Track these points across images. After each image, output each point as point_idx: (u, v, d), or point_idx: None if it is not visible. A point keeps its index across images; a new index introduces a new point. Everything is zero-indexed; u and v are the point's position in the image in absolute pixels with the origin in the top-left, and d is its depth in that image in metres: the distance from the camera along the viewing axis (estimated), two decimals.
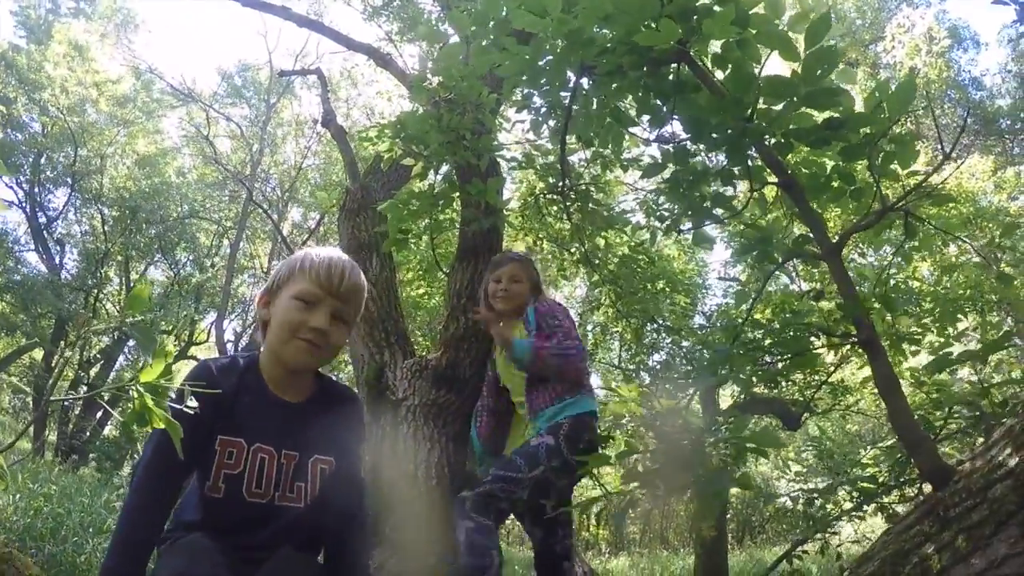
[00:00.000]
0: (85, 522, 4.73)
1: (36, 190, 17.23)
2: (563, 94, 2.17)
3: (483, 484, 2.46)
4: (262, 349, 1.72)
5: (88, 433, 16.12)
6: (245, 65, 21.71)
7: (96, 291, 18.06)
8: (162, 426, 1.14)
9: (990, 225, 11.95)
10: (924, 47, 12.57)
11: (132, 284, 19.24)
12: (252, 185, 18.97)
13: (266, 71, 20.66)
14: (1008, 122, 16.37)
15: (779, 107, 1.52)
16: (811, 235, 1.58)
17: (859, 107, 1.64)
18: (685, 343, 5.27)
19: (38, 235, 17.32)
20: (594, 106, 1.96)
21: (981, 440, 1.93)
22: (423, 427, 2.98)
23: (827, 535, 2.86)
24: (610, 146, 2.17)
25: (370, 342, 3.46)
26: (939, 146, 16.48)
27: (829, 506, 2.96)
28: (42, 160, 16.98)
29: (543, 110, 2.43)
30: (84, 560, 4.23)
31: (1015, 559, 1.18)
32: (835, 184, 1.65)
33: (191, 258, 20.52)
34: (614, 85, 1.83)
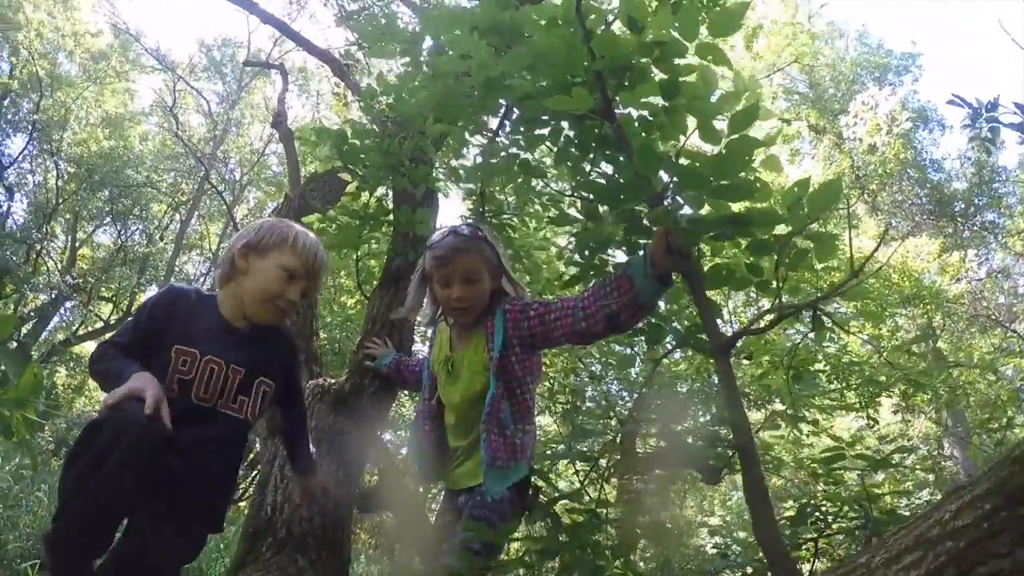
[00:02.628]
0: None
1: None
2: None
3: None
4: (221, 290, 2.01)
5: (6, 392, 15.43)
6: (226, 40, 21.33)
7: (40, 246, 17.40)
8: (24, 437, 1.30)
9: (930, 306, 12.31)
10: (885, 127, 12.98)
11: (78, 244, 18.59)
12: (211, 164, 18.54)
13: (244, 50, 20.27)
14: (962, 206, 16.90)
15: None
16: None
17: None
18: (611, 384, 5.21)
19: None
20: (503, 153, 1.89)
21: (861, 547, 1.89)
22: (316, 451, 2.76)
23: None
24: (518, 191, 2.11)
25: None
26: (890, 221, 16.99)
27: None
28: (5, 102, 16.36)
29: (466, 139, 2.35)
30: None
31: None
32: (739, 276, 1.59)
33: (140, 228, 19.91)
34: (535, 131, 1.77)
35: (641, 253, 1.73)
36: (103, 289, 18.99)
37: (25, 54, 15.93)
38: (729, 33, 1.53)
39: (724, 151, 1.41)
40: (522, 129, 1.76)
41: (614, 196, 1.57)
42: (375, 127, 3.32)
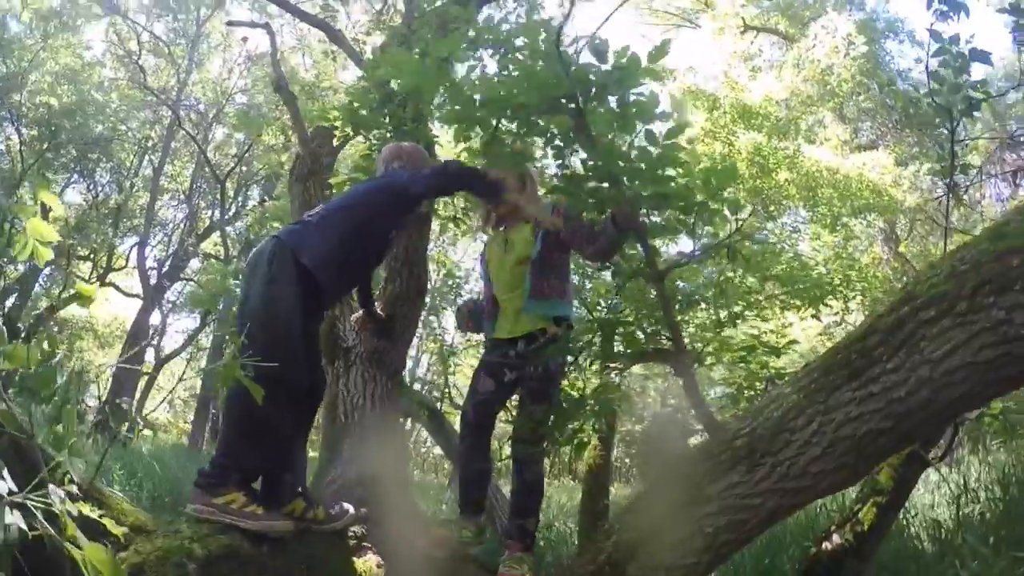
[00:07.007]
0: None
1: None
2: None
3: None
4: None
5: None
6: None
7: (11, 217, 17.25)
8: None
9: (885, 214, 13.12)
10: (843, 50, 13.52)
11: (48, 208, 18.29)
12: (178, 107, 18.24)
13: None
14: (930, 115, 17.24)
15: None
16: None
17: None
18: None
19: None
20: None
21: None
22: (368, 369, 3.73)
23: None
24: None
25: None
26: (857, 128, 17.46)
27: None
28: None
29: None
30: None
31: (741, 485, 1.95)
32: (672, 227, 2.36)
33: (109, 180, 19.46)
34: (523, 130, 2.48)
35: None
36: (80, 248, 19.00)
37: None
38: (657, 61, 2.22)
39: (659, 157, 2.16)
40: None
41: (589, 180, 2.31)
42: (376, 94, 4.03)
